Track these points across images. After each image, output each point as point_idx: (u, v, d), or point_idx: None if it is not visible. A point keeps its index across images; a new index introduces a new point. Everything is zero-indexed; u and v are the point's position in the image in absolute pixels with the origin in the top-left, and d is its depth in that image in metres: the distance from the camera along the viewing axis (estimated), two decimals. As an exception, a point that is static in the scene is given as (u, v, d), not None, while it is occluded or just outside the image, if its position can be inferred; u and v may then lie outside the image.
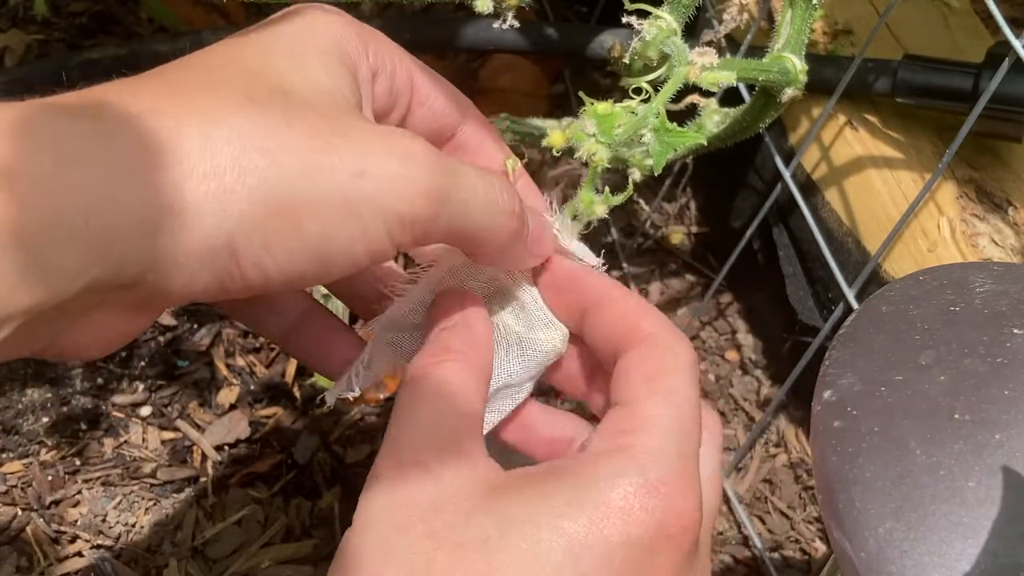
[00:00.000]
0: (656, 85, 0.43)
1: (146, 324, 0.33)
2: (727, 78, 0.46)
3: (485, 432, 0.39)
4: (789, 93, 0.56)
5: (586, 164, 0.42)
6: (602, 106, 0.41)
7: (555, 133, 0.42)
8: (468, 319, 0.39)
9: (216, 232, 0.29)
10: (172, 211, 0.28)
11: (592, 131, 0.41)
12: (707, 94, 0.57)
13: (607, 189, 0.42)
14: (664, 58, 0.48)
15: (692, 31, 0.50)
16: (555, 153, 0.42)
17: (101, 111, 0.28)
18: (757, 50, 0.61)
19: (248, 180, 0.29)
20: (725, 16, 0.55)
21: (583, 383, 0.42)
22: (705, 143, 0.55)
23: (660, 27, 0.48)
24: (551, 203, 0.41)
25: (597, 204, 0.42)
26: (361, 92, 0.35)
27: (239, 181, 0.29)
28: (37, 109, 0.28)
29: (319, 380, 0.83)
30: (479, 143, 0.41)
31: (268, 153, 0.29)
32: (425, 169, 0.31)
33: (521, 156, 0.44)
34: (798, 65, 0.55)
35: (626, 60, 0.52)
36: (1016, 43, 0.55)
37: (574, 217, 0.41)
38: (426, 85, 0.39)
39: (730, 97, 0.72)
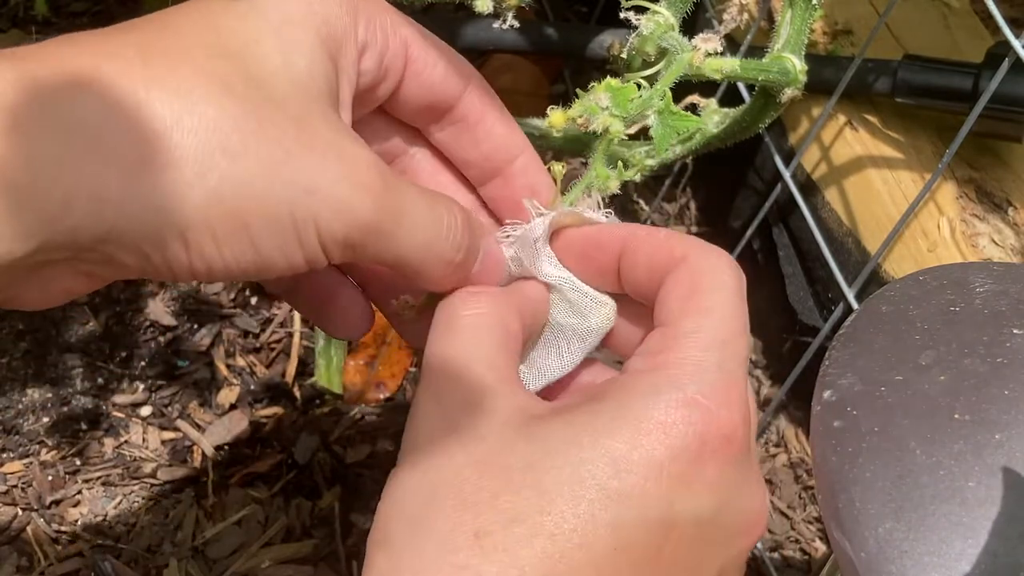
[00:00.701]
0: (654, 82, 0.43)
1: (95, 287, 0.33)
2: (731, 65, 0.46)
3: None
4: (789, 93, 0.56)
5: (586, 164, 0.42)
6: (614, 80, 0.41)
7: (555, 114, 0.42)
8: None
9: (170, 220, 0.29)
10: (129, 192, 0.29)
11: (606, 104, 0.41)
12: (707, 94, 0.57)
13: (620, 163, 0.42)
14: (662, 54, 0.48)
15: (692, 31, 0.50)
16: (555, 134, 0.42)
17: (67, 74, 0.29)
18: (757, 50, 0.61)
19: (208, 177, 0.30)
20: (725, 16, 0.55)
21: (633, 343, 0.41)
22: (707, 128, 0.54)
23: (658, 22, 0.48)
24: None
25: (611, 179, 0.42)
26: (340, 80, 0.34)
27: (199, 177, 0.29)
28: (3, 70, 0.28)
29: (319, 380, 0.83)
30: (479, 116, 0.40)
31: (230, 155, 0.30)
32: (371, 201, 0.32)
33: None
34: (798, 65, 0.55)
35: (624, 57, 0.52)
36: (1016, 43, 0.55)
37: (588, 193, 0.41)
38: (422, 57, 0.38)
39: (730, 97, 0.72)
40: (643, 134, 0.45)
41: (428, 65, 0.38)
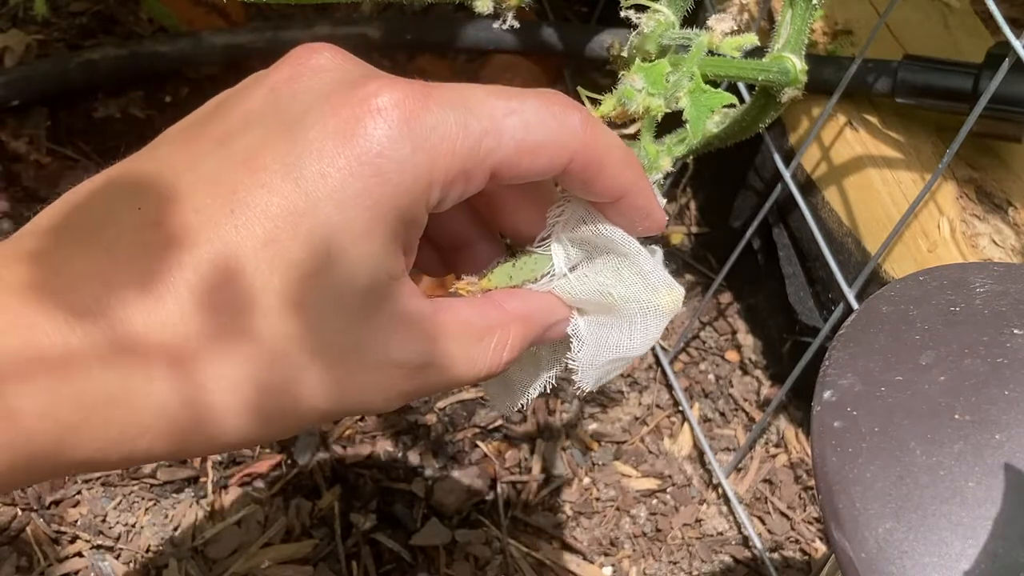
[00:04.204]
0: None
1: None
2: (750, 40, 0.46)
3: (591, 388, 0.39)
4: (789, 93, 0.56)
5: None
6: (644, 63, 0.41)
7: (607, 100, 0.41)
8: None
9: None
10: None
11: (641, 86, 0.41)
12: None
13: (667, 140, 0.42)
14: (663, 52, 0.48)
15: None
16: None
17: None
18: (757, 50, 0.61)
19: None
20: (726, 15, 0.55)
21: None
22: (736, 103, 0.53)
23: (659, 20, 0.48)
24: None
25: (662, 155, 0.42)
26: (395, 253, 0.32)
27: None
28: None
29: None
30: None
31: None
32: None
33: None
34: (798, 65, 0.55)
35: (625, 56, 0.52)
36: (1016, 43, 0.55)
37: None
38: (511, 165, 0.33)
39: (730, 97, 0.72)
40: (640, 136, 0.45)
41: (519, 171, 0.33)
